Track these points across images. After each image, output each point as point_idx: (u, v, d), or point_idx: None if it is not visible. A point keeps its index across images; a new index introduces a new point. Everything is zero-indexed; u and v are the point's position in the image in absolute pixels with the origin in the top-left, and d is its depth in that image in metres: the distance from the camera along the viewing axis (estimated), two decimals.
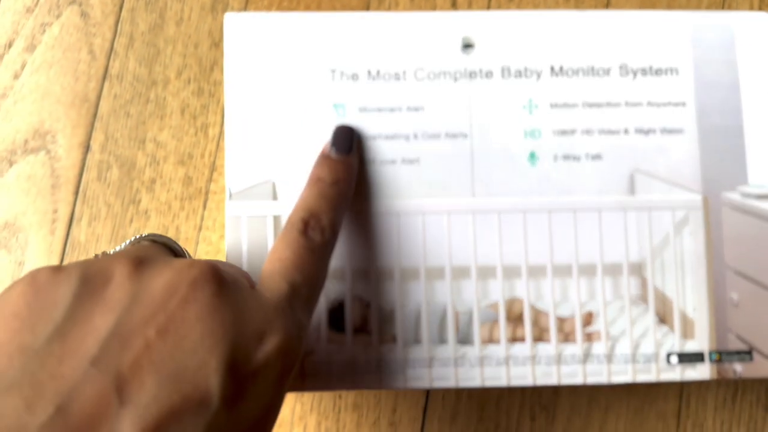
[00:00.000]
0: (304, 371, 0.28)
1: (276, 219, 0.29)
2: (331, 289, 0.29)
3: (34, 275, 0.20)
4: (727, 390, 0.38)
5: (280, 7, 0.40)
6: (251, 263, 0.28)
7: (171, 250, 0.26)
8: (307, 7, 0.41)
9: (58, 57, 0.40)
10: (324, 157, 0.28)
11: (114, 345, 0.18)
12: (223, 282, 0.21)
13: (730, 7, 0.42)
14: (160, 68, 0.40)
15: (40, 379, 0.17)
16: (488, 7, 0.41)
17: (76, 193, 0.39)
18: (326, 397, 0.37)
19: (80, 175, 0.39)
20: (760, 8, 0.42)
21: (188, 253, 0.28)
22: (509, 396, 0.37)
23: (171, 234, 0.38)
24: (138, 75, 0.40)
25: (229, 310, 0.20)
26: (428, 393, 0.37)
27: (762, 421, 0.38)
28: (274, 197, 0.29)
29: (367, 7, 0.41)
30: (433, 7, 0.41)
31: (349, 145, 0.28)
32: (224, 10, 0.40)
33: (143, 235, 0.26)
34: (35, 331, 0.18)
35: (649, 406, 0.38)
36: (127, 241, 0.25)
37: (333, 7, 0.41)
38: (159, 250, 0.25)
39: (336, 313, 0.29)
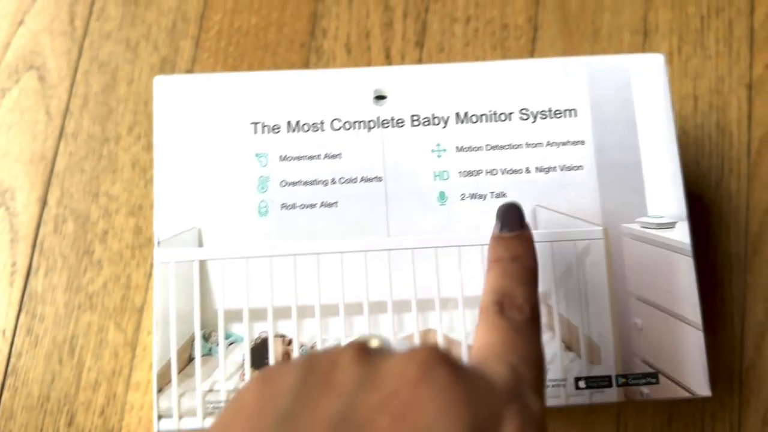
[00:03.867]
0: None
1: (202, 264, 0.31)
2: (254, 328, 0.30)
3: (262, 371, 0.20)
4: (663, 415, 0.39)
5: (225, 66, 0.43)
6: (179, 308, 0.30)
7: None
8: (250, 68, 0.43)
9: (16, 119, 0.42)
10: (496, 239, 0.27)
11: (346, 430, 0.17)
12: (454, 363, 0.20)
13: (649, 51, 0.44)
14: (113, 125, 0.42)
15: None
16: (420, 61, 0.44)
17: (34, 246, 0.41)
18: None
19: (37, 228, 0.41)
20: (680, 50, 0.44)
21: None
22: None
23: (122, 282, 0.40)
24: (92, 133, 0.42)
25: (462, 391, 0.19)
26: None
27: None
28: (200, 243, 0.31)
29: (306, 65, 0.44)
30: (368, 63, 0.44)
31: (519, 221, 0.28)
32: (172, 70, 0.43)
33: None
34: (263, 418, 0.18)
35: None
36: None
37: (275, 65, 0.44)
38: None
39: (259, 351, 0.30)
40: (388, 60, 0.44)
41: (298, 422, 0.18)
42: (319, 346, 0.30)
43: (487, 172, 0.32)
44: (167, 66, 0.43)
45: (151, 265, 0.40)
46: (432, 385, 0.18)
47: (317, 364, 0.20)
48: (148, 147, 0.42)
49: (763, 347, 0.40)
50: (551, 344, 0.31)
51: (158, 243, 0.31)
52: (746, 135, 0.43)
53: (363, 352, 0.20)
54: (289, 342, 0.30)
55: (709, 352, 0.40)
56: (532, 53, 0.44)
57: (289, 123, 0.32)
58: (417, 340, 0.31)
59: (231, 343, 0.30)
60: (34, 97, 0.43)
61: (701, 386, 0.30)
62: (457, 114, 0.33)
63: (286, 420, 0.18)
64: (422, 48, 0.44)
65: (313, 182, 0.32)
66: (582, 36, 0.44)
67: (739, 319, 0.40)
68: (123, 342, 0.39)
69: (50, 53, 0.44)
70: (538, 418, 0.20)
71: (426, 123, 0.33)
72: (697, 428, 0.39)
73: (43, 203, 0.41)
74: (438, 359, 0.19)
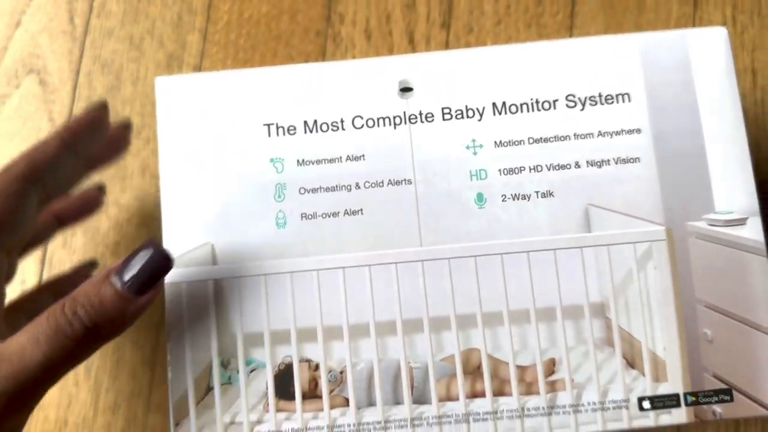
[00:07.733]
0: None
1: (216, 283, 0.28)
2: (276, 353, 0.28)
3: None
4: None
5: (236, 60, 0.40)
6: (194, 332, 0.27)
7: None
8: (263, 61, 0.40)
9: (18, 127, 0.40)
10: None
11: None
12: None
13: (700, 22, 0.40)
14: None
15: None
16: (447, 47, 0.40)
17: (43, 261, 0.38)
18: None
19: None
20: (734, 22, 0.40)
21: None
22: None
23: None
24: None
25: None
26: None
27: None
28: (214, 261, 0.28)
29: (323, 55, 0.40)
30: (390, 49, 0.40)
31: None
32: (179, 67, 0.40)
33: None
34: None
35: None
36: None
37: (290, 58, 0.40)
38: None
39: (283, 378, 0.27)
40: (412, 45, 0.40)
41: None
42: (349, 371, 0.27)
43: (531, 169, 0.29)
44: (174, 63, 0.40)
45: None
46: None
47: None
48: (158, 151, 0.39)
49: None
50: (611, 361, 0.27)
51: None
52: None
53: None
54: (316, 367, 0.28)
55: None
56: (570, 30, 0.40)
57: (305, 123, 0.29)
58: (458, 362, 0.27)
59: (252, 370, 0.28)
60: (35, 103, 0.40)
61: None
62: (494, 104, 0.29)
63: None
64: (449, 30, 0.40)
65: (334, 188, 0.29)
66: (625, 8, 0.40)
67: None
68: (141, 361, 0.37)
69: (50, 55, 0.41)
70: None
71: (459, 116, 0.29)
72: None
73: None
74: None
